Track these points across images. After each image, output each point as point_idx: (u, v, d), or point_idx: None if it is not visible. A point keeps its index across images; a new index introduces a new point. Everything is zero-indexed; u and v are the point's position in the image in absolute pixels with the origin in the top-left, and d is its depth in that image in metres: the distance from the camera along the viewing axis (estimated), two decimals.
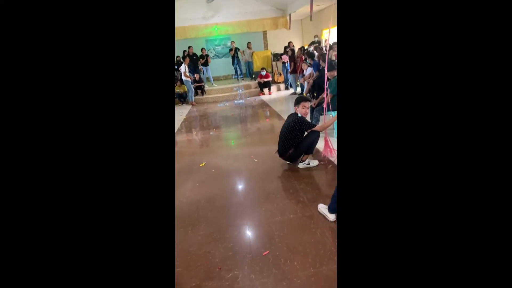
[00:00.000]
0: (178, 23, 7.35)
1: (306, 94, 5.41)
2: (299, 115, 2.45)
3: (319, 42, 7.36)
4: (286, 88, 7.42)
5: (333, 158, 2.64)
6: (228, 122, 4.98)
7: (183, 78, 6.61)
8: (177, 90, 6.99)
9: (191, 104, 6.82)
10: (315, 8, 6.04)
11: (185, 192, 2.36)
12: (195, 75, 7.09)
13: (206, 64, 7.69)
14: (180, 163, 3.07)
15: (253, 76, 8.05)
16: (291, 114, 2.58)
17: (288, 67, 6.86)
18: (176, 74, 7.23)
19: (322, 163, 2.59)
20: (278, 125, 4.23)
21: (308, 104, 2.48)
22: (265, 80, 7.08)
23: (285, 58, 6.99)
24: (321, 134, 2.57)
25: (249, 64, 8.36)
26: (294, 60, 6.40)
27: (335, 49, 3.01)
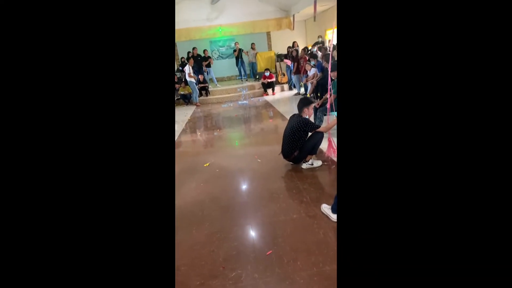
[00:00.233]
0: (183, 24, 7.40)
1: (310, 95, 5.40)
2: (303, 116, 2.46)
3: (322, 43, 7.35)
4: (290, 89, 7.42)
5: (337, 158, 2.64)
6: (232, 122, 5.00)
7: (188, 79, 6.66)
8: (181, 91, 7.05)
9: (196, 104, 6.86)
10: (318, 8, 6.04)
11: (189, 191, 2.38)
12: (199, 76, 7.14)
13: (208, 65, 7.74)
14: (184, 163, 3.10)
15: (257, 77, 8.07)
16: (293, 115, 2.59)
17: (292, 68, 6.87)
18: (180, 75, 7.29)
19: (325, 163, 2.59)
20: (282, 125, 4.24)
21: (312, 106, 2.50)
22: (269, 80, 7.09)
23: (288, 62, 7.01)
24: (325, 135, 2.57)
25: (253, 65, 8.38)
26: (298, 60, 6.40)
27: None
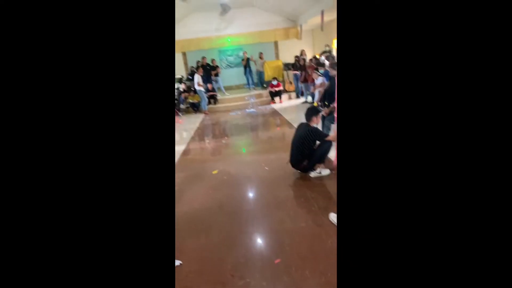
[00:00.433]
0: (192, 35, 7.60)
1: (318, 103, 5.43)
2: (311, 125, 2.49)
3: (330, 51, 7.41)
4: (297, 97, 7.47)
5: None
6: (240, 130, 5.05)
7: (196, 87, 6.79)
8: (190, 99, 7.18)
9: (204, 113, 6.96)
10: (326, 18, 6.12)
11: (198, 198, 2.41)
12: (208, 85, 7.27)
13: (217, 74, 7.88)
14: (193, 169, 3.14)
15: (264, 86, 8.16)
16: (301, 124, 2.62)
17: (299, 76, 6.92)
18: (190, 83, 7.45)
19: (333, 172, 2.59)
20: (289, 133, 4.26)
21: (319, 115, 2.52)
22: (276, 89, 7.16)
23: (294, 72, 7.10)
24: (333, 144, 2.58)
25: (260, 74, 8.49)
26: (305, 69, 6.46)
27: None
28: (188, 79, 7.92)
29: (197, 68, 7.30)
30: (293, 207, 2.11)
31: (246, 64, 8.12)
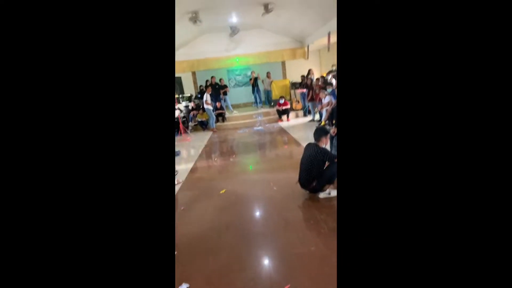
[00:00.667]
0: (202, 55, 7.88)
1: (325, 122, 5.45)
2: (320, 145, 2.49)
3: (336, 71, 7.53)
4: (304, 115, 7.52)
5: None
6: (248, 148, 5.08)
7: (205, 106, 6.93)
8: (199, 117, 7.32)
9: (212, 130, 7.05)
10: (332, 39, 6.28)
11: (206, 218, 2.40)
12: (217, 103, 7.42)
13: (225, 93, 8.07)
14: (201, 189, 3.14)
15: (272, 104, 8.28)
16: (310, 144, 2.62)
17: (306, 95, 7.02)
18: (199, 102, 7.63)
19: None
20: (296, 151, 4.26)
21: (328, 135, 2.54)
22: (284, 108, 7.25)
23: (301, 90, 7.22)
24: None
25: (268, 93, 8.65)
26: (313, 88, 6.56)
27: None
28: (197, 97, 8.11)
29: (206, 87, 7.49)
30: (302, 229, 2.07)
31: (254, 83, 8.30)
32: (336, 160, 2.44)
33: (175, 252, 1.85)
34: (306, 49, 7.98)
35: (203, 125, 7.32)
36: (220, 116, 7.58)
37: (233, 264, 1.73)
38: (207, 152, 5.08)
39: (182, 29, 6.03)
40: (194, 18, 5.67)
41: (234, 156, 4.61)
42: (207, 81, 8.03)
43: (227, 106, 8.32)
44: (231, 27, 7.07)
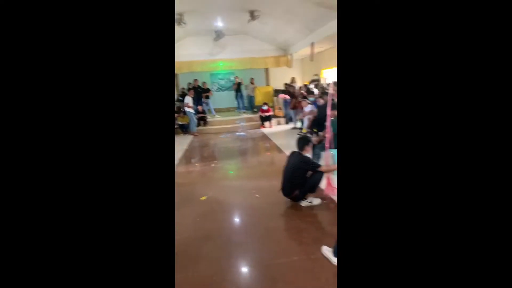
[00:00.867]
0: (186, 57, 7.74)
1: (306, 130, 5.53)
2: (304, 154, 2.51)
3: (318, 80, 7.72)
4: (287, 123, 7.61)
5: (336, 196, 2.64)
6: (230, 153, 5.02)
7: (186, 109, 6.79)
8: (180, 121, 7.14)
9: (193, 134, 6.91)
10: (315, 50, 6.45)
11: (186, 226, 2.31)
12: (198, 107, 7.30)
13: (207, 97, 7.98)
14: (180, 195, 3.04)
15: (255, 110, 8.29)
16: (293, 153, 2.63)
17: (289, 102, 7.11)
18: (180, 104, 7.46)
19: (324, 201, 2.58)
20: (278, 158, 4.27)
21: (311, 144, 2.57)
22: (267, 114, 7.29)
23: (284, 96, 7.31)
24: (324, 174, 2.60)
25: (250, 99, 8.66)
26: (295, 96, 6.66)
27: (331, 88, 3.18)
28: (178, 100, 7.93)
29: (189, 89, 7.36)
30: (284, 239, 2.05)
31: (237, 88, 8.28)
32: (318, 169, 2.46)
33: None
34: (289, 57, 8.12)
35: (184, 128, 7.15)
36: (202, 120, 7.46)
37: (213, 276, 1.66)
38: (187, 157, 4.96)
39: None
40: (179, 20, 5.58)
41: (215, 161, 4.53)
42: (189, 84, 7.89)
43: (209, 110, 8.22)
44: (216, 32, 7.04)
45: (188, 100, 6.77)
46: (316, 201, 2.54)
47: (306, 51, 6.76)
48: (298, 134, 5.65)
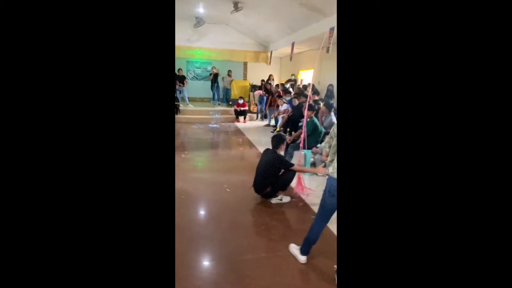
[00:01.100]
0: None
1: (280, 128, 5.60)
2: (278, 152, 2.53)
3: (295, 81, 7.84)
4: (261, 119, 7.63)
5: (305, 196, 2.71)
6: (202, 145, 4.90)
7: None
8: None
9: None
10: (295, 50, 6.52)
11: None
12: None
13: (182, 84, 7.69)
14: None
15: (230, 103, 8.19)
16: (267, 150, 2.64)
17: (265, 100, 7.13)
18: None
19: (294, 199, 2.63)
20: (251, 154, 4.27)
21: (284, 144, 2.60)
22: (242, 109, 7.23)
23: (259, 92, 7.32)
24: (296, 172, 2.64)
25: (227, 91, 8.53)
26: (272, 94, 6.69)
27: (309, 90, 3.27)
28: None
29: None
30: (253, 235, 2.05)
31: (214, 79, 8.10)
32: (291, 168, 2.50)
33: None
34: (269, 54, 8.13)
35: None
36: (175, 108, 7.18)
37: (178, 271, 1.61)
38: None
39: None
40: None
41: (186, 152, 4.39)
42: None
43: (182, 98, 7.94)
44: (196, 18, 6.77)
45: None
46: (286, 199, 2.58)
47: (286, 50, 6.81)
48: (272, 132, 5.70)
